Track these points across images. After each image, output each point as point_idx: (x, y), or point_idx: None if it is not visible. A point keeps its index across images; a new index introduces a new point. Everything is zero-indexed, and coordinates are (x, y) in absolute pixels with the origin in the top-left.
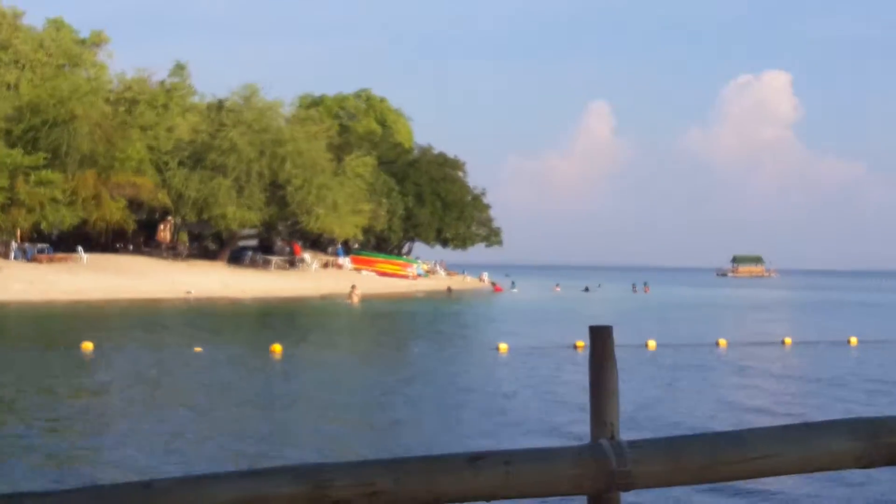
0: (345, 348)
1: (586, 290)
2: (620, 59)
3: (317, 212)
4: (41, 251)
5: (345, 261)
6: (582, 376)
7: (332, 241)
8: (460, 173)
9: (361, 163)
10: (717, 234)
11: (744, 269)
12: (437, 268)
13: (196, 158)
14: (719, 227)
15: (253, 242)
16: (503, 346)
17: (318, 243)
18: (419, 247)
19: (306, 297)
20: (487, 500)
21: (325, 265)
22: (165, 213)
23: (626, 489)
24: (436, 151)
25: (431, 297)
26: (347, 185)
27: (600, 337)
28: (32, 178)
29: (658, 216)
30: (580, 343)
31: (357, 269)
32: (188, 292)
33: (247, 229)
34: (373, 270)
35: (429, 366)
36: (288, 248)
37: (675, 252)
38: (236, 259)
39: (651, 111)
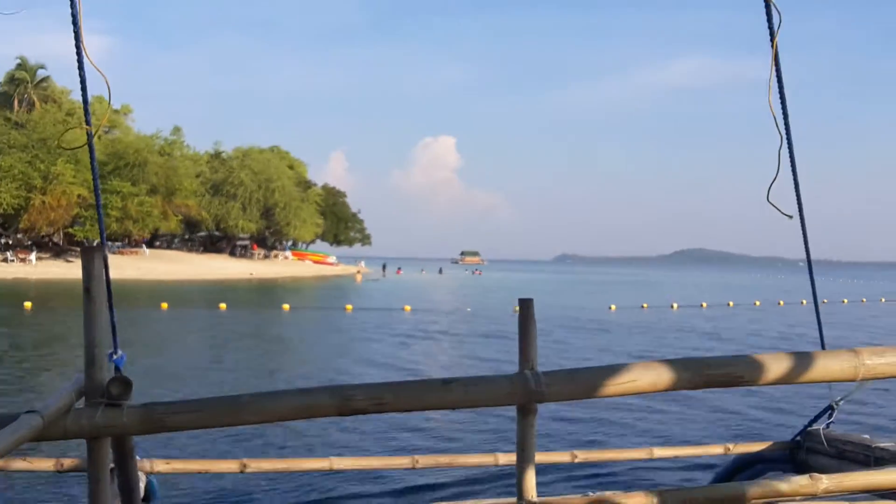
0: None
1: (440, 272)
2: (351, 120)
3: (294, 223)
4: (116, 248)
5: (288, 254)
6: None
7: (279, 241)
8: (345, 199)
9: (315, 193)
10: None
11: (468, 258)
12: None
13: (215, 189)
14: (425, 232)
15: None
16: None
17: (261, 242)
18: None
19: (321, 276)
20: (453, 409)
21: (276, 256)
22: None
23: (541, 402)
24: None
25: (370, 278)
26: (308, 208)
27: (526, 305)
28: (136, 201)
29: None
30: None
31: (299, 260)
32: (251, 274)
33: (242, 234)
34: (309, 260)
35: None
36: (247, 245)
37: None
38: (229, 253)
39: (371, 157)
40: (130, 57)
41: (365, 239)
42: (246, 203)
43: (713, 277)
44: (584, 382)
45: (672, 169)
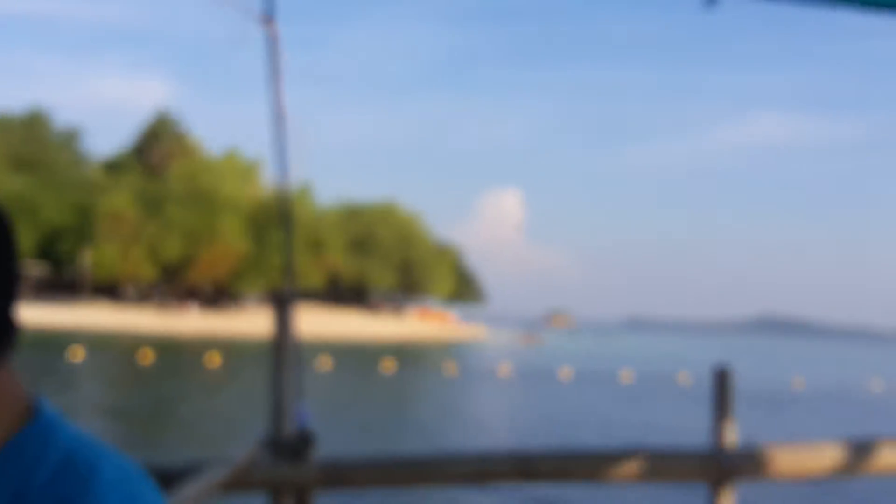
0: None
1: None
2: (412, 173)
3: (432, 281)
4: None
5: (417, 311)
6: None
7: (403, 299)
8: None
9: (451, 253)
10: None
11: (558, 318)
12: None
13: (354, 245)
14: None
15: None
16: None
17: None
18: None
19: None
20: (638, 481)
21: (401, 313)
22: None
23: (736, 479)
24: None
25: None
26: (446, 265)
27: (723, 375)
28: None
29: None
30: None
31: (423, 318)
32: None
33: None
34: (432, 319)
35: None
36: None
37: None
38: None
39: (436, 212)
40: (190, 104)
41: (481, 298)
42: (383, 259)
43: (835, 350)
44: (785, 460)
45: (745, 229)
